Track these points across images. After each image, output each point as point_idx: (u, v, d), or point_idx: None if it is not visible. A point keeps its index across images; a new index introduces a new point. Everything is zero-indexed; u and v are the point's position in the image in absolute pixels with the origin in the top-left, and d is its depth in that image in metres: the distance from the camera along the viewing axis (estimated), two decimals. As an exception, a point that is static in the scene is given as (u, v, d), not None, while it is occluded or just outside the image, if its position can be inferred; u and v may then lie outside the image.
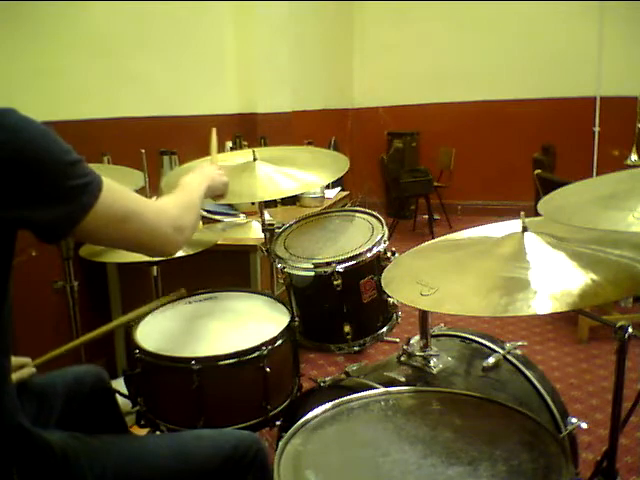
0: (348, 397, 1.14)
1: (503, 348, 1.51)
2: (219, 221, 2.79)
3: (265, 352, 1.41)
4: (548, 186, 2.95)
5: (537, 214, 1.12)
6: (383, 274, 1.26)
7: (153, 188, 1.92)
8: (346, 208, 1.90)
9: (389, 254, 1.58)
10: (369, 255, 1.53)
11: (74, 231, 0.91)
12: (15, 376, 1.21)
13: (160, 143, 2.99)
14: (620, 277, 0.98)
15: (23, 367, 1.25)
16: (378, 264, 1.54)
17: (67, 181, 0.88)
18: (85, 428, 1.12)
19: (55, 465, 0.99)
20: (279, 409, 1.48)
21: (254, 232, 2.64)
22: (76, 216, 0.90)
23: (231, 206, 2.91)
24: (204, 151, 1.84)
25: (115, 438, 1.13)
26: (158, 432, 1.47)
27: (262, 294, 1.75)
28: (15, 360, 1.24)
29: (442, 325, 1.66)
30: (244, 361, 1.39)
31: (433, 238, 1.41)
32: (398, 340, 1.72)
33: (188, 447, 1.12)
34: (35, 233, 0.90)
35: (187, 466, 1.10)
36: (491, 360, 1.44)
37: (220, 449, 1.13)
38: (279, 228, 1.75)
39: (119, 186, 0.98)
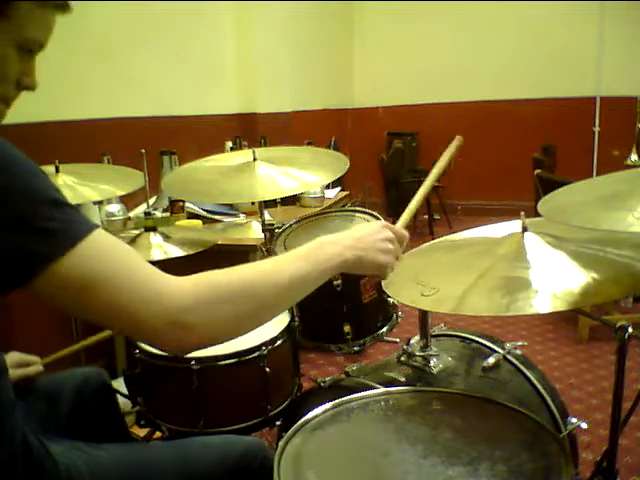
0: (348, 397, 1.13)
1: (503, 348, 1.51)
2: (219, 221, 2.79)
3: (265, 352, 1.41)
4: (548, 186, 2.94)
5: (537, 214, 1.12)
6: (383, 274, 1.25)
7: (153, 188, 1.92)
8: (346, 208, 1.90)
9: (389, 254, 1.57)
10: (369, 255, 1.52)
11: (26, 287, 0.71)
12: (22, 372, 1.21)
13: (160, 143, 2.99)
14: (621, 275, 0.98)
15: (30, 365, 1.24)
16: (378, 264, 1.54)
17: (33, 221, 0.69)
18: (90, 431, 1.11)
19: None
20: (279, 409, 1.48)
21: (254, 232, 2.64)
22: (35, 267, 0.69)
23: (231, 206, 2.91)
24: (204, 151, 1.84)
25: (119, 449, 1.11)
26: (158, 432, 1.46)
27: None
28: (23, 357, 1.24)
29: (442, 325, 1.66)
30: (244, 361, 1.39)
31: (433, 238, 1.41)
32: (398, 340, 1.72)
33: (194, 457, 1.11)
34: None
35: (193, 477, 1.08)
36: (491, 360, 1.44)
37: (227, 457, 1.11)
38: (279, 228, 1.75)
39: (110, 243, 0.76)
